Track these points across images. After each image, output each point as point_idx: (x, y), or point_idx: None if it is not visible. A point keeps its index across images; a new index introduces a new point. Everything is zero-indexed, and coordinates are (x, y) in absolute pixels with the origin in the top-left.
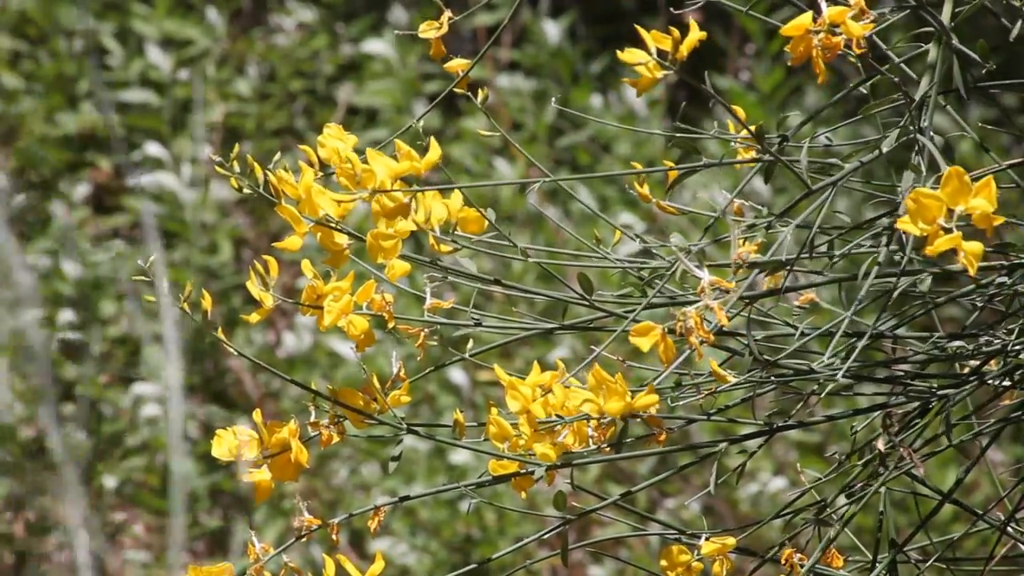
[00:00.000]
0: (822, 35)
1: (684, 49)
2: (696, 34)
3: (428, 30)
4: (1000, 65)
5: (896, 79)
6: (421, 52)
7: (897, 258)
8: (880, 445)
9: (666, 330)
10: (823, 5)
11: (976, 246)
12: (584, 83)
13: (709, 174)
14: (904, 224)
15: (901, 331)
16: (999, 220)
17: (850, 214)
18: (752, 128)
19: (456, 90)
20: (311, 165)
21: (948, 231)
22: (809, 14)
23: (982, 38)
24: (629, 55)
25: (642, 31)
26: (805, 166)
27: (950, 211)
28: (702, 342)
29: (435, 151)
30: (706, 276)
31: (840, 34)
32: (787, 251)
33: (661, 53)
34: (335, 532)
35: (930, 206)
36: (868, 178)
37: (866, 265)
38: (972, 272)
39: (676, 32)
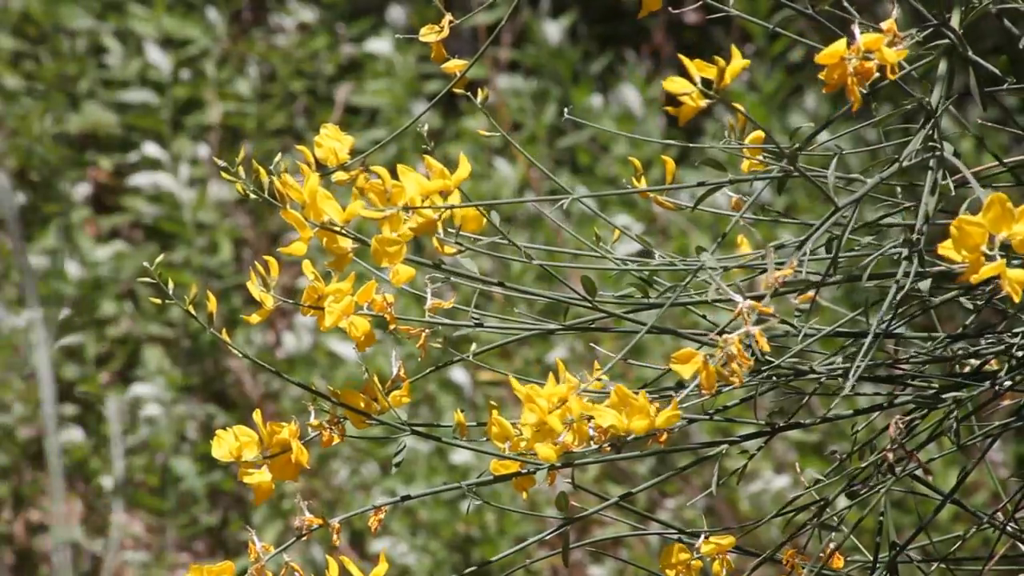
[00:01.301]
0: (855, 62)
1: (728, 77)
2: (739, 62)
3: (428, 34)
4: (1000, 66)
5: (914, 92)
6: (420, 52)
7: (903, 255)
8: (889, 456)
9: (707, 357)
10: (856, 32)
11: (1020, 273)
12: (584, 83)
13: (711, 174)
14: (946, 250)
15: (904, 331)
16: None
17: (850, 211)
18: (755, 137)
19: (455, 90)
20: (308, 165)
21: (991, 259)
22: (843, 41)
23: (985, 39)
24: (673, 84)
25: (686, 60)
26: (832, 183)
27: (991, 237)
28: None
29: (464, 167)
30: (745, 302)
31: (873, 60)
32: (803, 262)
33: (705, 81)
34: (336, 532)
35: (972, 233)
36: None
37: (870, 268)
38: (1016, 299)
39: (721, 61)
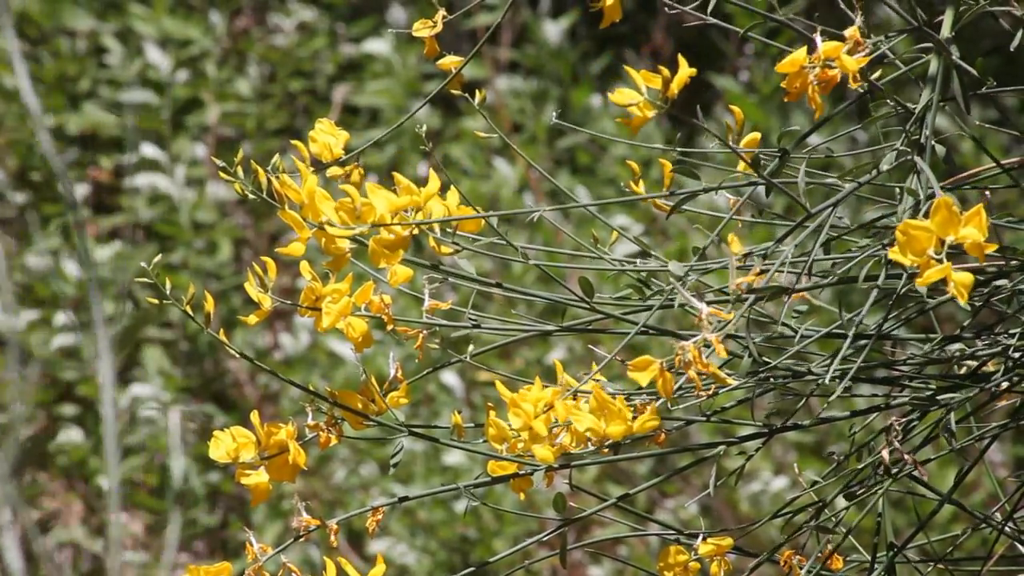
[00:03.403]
0: (817, 70)
1: (675, 87)
2: (686, 71)
3: (422, 29)
4: (1000, 66)
5: (892, 99)
6: (420, 52)
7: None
8: (885, 455)
9: (664, 364)
10: (818, 40)
11: (966, 277)
12: (584, 83)
13: (709, 174)
14: (895, 255)
15: (900, 332)
16: (991, 248)
17: (847, 213)
18: (750, 140)
19: (451, 90)
20: (303, 161)
21: (939, 261)
22: (804, 50)
23: (984, 39)
24: (620, 96)
25: (631, 71)
26: (803, 188)
27: (941, 241)
28: (701, 375)
29: (434, 182)
30: (704, 308)
31: (836, 68)
32: (786, 265)
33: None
34: (334, 533)
35: (919, 237)
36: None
37: (865, 269)
38: (963, 303)
39: (665, 71)
